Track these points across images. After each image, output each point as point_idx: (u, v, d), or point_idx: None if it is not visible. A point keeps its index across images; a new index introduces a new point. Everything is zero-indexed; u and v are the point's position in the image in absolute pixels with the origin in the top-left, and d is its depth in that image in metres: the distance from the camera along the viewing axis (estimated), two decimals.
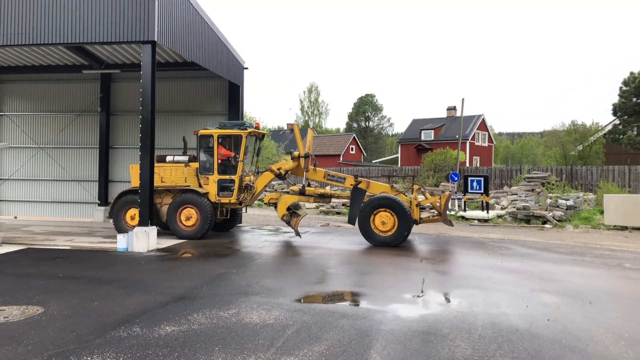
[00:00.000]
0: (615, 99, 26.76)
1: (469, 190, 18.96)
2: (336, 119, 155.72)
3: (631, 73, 26.03)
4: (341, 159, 50.82)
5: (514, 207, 17.96)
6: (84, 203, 18.20)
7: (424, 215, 13.31)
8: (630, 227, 15.43)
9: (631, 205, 15.58)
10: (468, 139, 46.72)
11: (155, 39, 10.86)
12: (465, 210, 18.91)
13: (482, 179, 18.55)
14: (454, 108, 52.54)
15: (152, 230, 11.13)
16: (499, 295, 7.21)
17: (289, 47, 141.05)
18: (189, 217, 12.78)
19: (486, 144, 53.11)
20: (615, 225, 15.77)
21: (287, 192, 13.39)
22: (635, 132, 26.22)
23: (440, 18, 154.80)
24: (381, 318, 5.91)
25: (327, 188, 17.08)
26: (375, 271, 8.94)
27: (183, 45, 12.47)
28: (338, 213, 20.88)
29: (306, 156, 12.92)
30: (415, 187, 12.84)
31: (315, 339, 5.13)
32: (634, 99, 25.84)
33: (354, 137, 54.10)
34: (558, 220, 16.85)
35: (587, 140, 29.87)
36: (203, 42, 13.73)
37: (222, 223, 14.01)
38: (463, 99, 26.41)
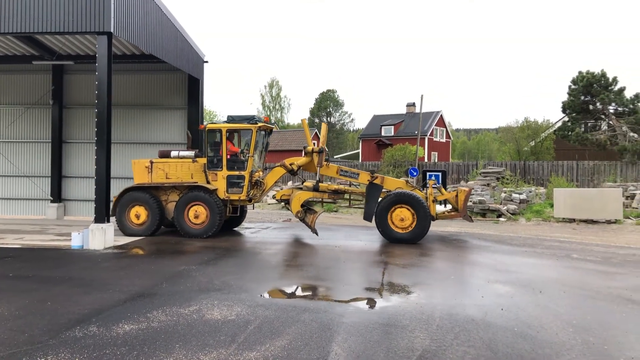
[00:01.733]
0: (565, 96, 27.93)
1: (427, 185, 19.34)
2: (298, 114, 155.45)
3: (579, 72, 27.22)
4: (303, 155, 50.76)
5: (471, 202, 18.51)
6: (35, 200, 17.46)
7: (439, 210, 13.00)
8: (577, 219, 16.19)
9: (578, 198, 16.35)
10: (427, 135, 47.68)
11: (112, 30, 10.54)
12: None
13: (440, 173, 18.98)
14: (413, 104, 53.48)
15: (109, 226, 10.83)
16: (456, 286, 7.44)
17: (250, 42, 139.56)
18: (197, 214, 12.31)
19: (444, 140, 54.37)
20: (564, 218, 16.52)
21: (300, 189, 12.94)
22: (582, 129, 27.46)
23: (400, 15, 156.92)
24: (342, 311, 6.00)
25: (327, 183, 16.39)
26: (337, 265, 9.04)
27: (141, 37, 12.14)
28: None
29: (320, 151, 12.57)
30: (431, 182, 12.69)
31: (277, 333, 5.16)
32: (582, 97, 27.04)
33: (315, 132, 54.13)
34: (512, 214, 17.50)
35: (538, 137, 31.09)
36: (161, 35, 13.41)
37: (227, 220, 13.36)
38: (422, 96, 26.99)
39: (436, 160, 46.90)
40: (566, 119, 29.07)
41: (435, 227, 15.00)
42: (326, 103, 77.02)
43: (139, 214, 12.52)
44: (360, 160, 48.41)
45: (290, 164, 12.78)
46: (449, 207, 13.10)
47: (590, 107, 27.00)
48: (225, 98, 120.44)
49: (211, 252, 10.33)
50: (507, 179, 22.10)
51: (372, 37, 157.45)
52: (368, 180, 12.23)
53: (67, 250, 10.41)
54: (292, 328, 5.32)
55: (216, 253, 10.17)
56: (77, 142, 17.28)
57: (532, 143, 31.32)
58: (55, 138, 17.08)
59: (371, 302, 6.55)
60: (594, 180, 24.07)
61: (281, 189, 14.02)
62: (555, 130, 30.66)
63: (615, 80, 26.39)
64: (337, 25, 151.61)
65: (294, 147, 50.22)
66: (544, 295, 6.90)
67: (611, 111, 26.61)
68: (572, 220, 16.28)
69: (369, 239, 12.38)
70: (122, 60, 16.06)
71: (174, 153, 13.26)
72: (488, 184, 21.68)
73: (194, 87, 16.65)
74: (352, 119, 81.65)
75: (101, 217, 10.73)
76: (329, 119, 77.38)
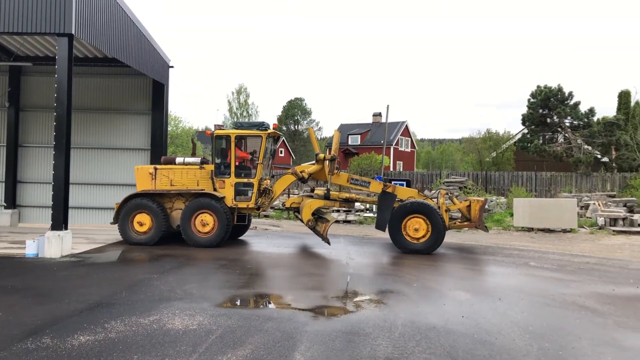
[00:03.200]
0: (525, 109, 28.88)
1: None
2: (265, 121, 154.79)
3: (538, 86, 28.21)
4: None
5: None
6: None
7: (455, 220, 12.76)
8: (535, 228, 16.71)
9: (537, 208, 16.89)
10: (392, 144, 48.38)
11: (73, 32, 10.25)
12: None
13: (404, 182, 19.28)
14: (380, 114, 54.22)
15: (67, 234, 10.47)
16: (419, 294, 7.54)
17: (217, 47, 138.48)
18: (205, 223, 11.93)
19: (409, 150, 55.26)
20: (523, 227, 17.02)
21: (310, 197, 12.67)
22: (541, 141, 28.43)
23: (367, 27, 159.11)
24: (306, 320, 5.99)
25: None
26: (301, 273, 9.01)
27: (104, 40, 11.86)
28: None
29: (332, 159, 12.39)
30: (442, 192, 12.61)
31: (240, 343, 5.09)
32: (540, 111, 28.02)
33: (283, 140, 54.12)
34: None
35: (500, 148, 32.02)
36: (126, 38, 13.15)
37: (233, 229, 12.87)
38: (388, 106, 27.30)
39: (401, 170, 47.59)
40: (525, 131, 30.04)
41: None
42: (294, 111, 77.05)
43: (142, 222, 12.11)
44: None
45: (301, 172, 12.57)
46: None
47: (548, 120, 27.99)
48: (192, 104, 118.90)
49: (174, 260, 10.13)
50: (470, 189, 22.63)
51: (341, 47, 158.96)
52: (381, 189, 12.06)
53: (21, 258, 10.00)
54: (254, 337, 5.27)
55: (179, 261, 9.97)
56: (34, 147, 16.66)
57: (494, 154, 32.23)
58: (11, 142, 16.41)
59: (335, 311, 6.56)
60: (552, 190, 24.92)
61: (289, 197, 13.61)
62: (515, 142, 31.64)
63: (571, 94, 27.48)
64: (305, 34, 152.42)
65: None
66: (503, 302, 7.08)
67: (567, 124, 27.66)
68: (530, 229, 16.79)
69: (335, 247, 12.41)
70: (84, 63, 15.65)
71: (179, 159, 12.93)
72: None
73: (158, 92, 16.38)
74: (320, 128, 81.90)
75: (58, 224, 10.36)
76: (296, 127, 77.44)
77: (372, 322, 5.92)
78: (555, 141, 28.10)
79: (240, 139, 12.52)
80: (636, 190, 22.12)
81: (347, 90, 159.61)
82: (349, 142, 51.76)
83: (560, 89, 27.56)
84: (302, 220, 12.63)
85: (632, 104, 30.61)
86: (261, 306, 6.93)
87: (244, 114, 75.94)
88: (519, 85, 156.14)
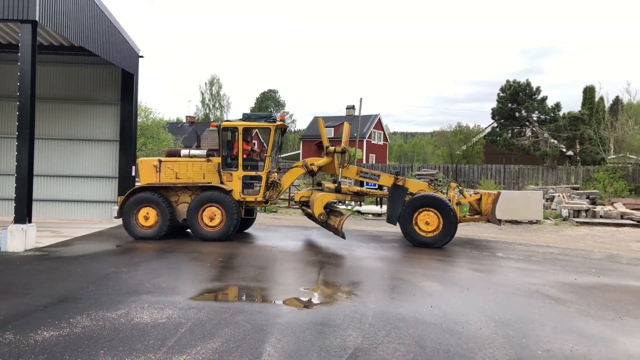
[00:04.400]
0: (495, 104, 29.45)
1: (365, 186, 19.74)
2: (238, 113, 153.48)
3: (507, 81, 28.81)
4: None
5: None
6: None
7: (464, 213, 12.62)
8: (503, 220, 17.10)
9: (505, 200, 17.25)
10: (365, 137, 48.62)
11: (37, 19, 9.90)
12: (360, 205, 19.69)
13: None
14: (353, 107, 54.36)
15: (31, 227, 10.17)
16: (388, 285, 7.64)
17: (189, 38, 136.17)
18: (212, 216, 11.67)
19: (382, 143, 55.66)
20: None
21: (318, 190, 12.43)
22: (509, 135, 29.08)
23: (341, 19, 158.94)
24: (277, 312, 5.99)
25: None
26: (273, 266, 9.01)
27: (70, 28, 11.50)
28: None
29: (343, 152, 12.21)
30: (453, 185, 12.51)
31: (210, 335, 5.06)
32: (509, 105, 28.63)
33: (256, 132, 53.79)
34: None
35: (470, 141, 32.60)
36: (93, 26, 12.77)
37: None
38: (361, 99, 27.47)
39: (374, 162, 47.92)
40: (495, 124, 30.68)
41: (372, 227, 15.32)
42: (267, 103, 76.66)
43: (148, 216, 11.80)
44: None
45: (311, 164, 12.38)
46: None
47: (517, 114, 28.64)
48: (163, 95, 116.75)
49: (144, 253, 9.97)
50: (440, 181, 22.98)
51: (314, 39, 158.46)
52: (392, 182, 11.97)
53: None
54: (224, 330, 5.25)
55: (149, 254, 9.82)
56: None
57: (464, 147, 32.81)
58: None
59: (306, 302, 6.59)
60: (519, 183, 25.56)
61: (299, 190, 13.43)
62: (485, 135, 32.29)
63: (538, 89, 28.17)
64: (280, 26, 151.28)
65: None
66: (471, 292, 7.24)
67: (535, 118, 28.37)
68: (499, 221, 17.16)
69: (307, 239, 12.44)
70: (50, 51, 15.16)
71: (184, 152, 12.60)
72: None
73: (128, 82, 16.00)
74: (294, 120, 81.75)
75: (22, 217, 10.05)
76: None
77: (343, 313, 5.97)
78: (523, 135, 28.78)
79: (247, 130, 12.29)
80: (598, 183, 22.91)
81: (321, 82, 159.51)
82: None
83: (528, 84, 28.22)
84: (307, 215, 12.48)
85: (597, 99, 31.58)
86: (232, 299, 6.89)
87: (216, 105, 75.12)
88: (490, 80, 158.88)
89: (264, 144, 12.16)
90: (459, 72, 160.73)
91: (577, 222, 16.70)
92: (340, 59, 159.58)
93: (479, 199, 12.48)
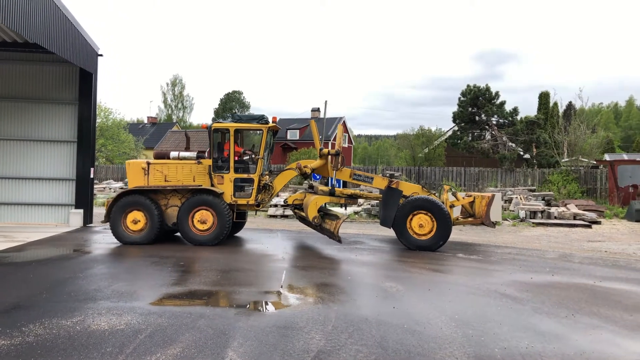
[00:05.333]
0: (455, 108, 30.17)
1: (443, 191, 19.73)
2: (202, 114, 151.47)
3: (467, 86, 29.59)
4: (207, 156, 49.54)
5: (369, 204, 19.26)
6: None
7: (456, 216, 12.55)
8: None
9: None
10: (330, 140, 48.84)
11: None
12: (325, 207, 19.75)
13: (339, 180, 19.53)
14: (318, 109, 54.52)
15: None
16: (352, 286, 7.69)
17: (150, 37, 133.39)
18: (203, 220, 11.36)
19: (346, 145, 56.03)
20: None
21: (311, 193, 12.15)
22: (470, 138, 29.85)
23: (305, 22, 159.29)
24: (239, 316, 5.93)
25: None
26: (236, 269, 8.91)
27: (23, 24, 11.04)
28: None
29: (337, 154, 12.04)
30: (446, 187, 12.36)
31: (170, 341, 4.96)
32: (469, 109, 29.40)
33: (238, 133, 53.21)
34: None
35: (432, 144, 33.27)
36: (49, 23, 12.32)
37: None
38: (326, 102, 27.61)
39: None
40: (456, 128, 31.42)
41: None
42: (231, 104, 75.77)
43: (136, 220, 11.40)
44: None
45: (304, 167, 12.16)
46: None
47: (477, 118, 29.44)
48: (123, 94, 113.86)
49: (102, 257, 9.68)
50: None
51: (280, 40, 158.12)
52: (386, 185, 11.85)
53: None
54: (185, 335, 5.15)
55: (108, 258, 9.54)
56: None
57: (426, 150, 33.44)
58: None
59: (269, 305, 6.55)
60: (479, 185, 26.24)
61: (295, 193, 13.18)
62: (446, 139, 33.01)
63: (497, 94, 29.05)
64: (245, 27, 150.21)
65: (195, 147, 48.80)
66: (432, 292, 7.37)
67: (494, 122, 29.22)
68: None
69: (271, 242, 12.38)
70: (2, 48, 14.54)
71: (173, 154, 12.18)
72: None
73: (86, 82, 15.51)
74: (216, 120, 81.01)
75: None
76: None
77: (306, 316, 5.97)
78: (483, 138, 29.58)
79: (238, 132, 12.06)
80: (553, 185, 23.80)
81: (286, 84, 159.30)
82: (288, 137, 51.73)
83: (487, 89, 29.04)
84: (300, 219, 12.22)
85: (551, 104, 32.81)
86: (193, 303, 6.77)
87: (179, 106, 73.90)
88: (451, 84, 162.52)
89: (254, 146, 11.98)
90: (419, 76, 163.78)
91: (533, 223, 17.27)
92: (304, 61, 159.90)
93: (472, 202, 12.49)
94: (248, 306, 6.43)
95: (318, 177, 21.16)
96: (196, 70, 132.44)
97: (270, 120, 12.11)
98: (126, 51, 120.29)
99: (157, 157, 12.32)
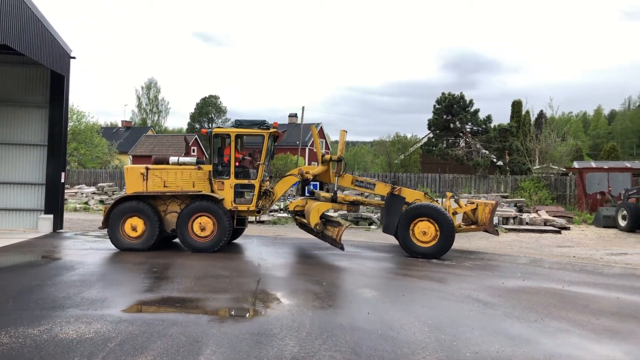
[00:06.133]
0: (431, 115, 30.59)
1: (306, 194, 19.82)
2: (177, 119, 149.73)
3: (442, 93, 30.05)
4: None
5: (344, 210, 19.32)
6: None
7: (458, 223, 12.40)
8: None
9: None
10: (307, 146, 48.93)
11: None
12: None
13: (317, 183, 19.55)
14: (295, 115, 54.63)
15: None
16: (327, 293, 7.69)
17: (125, 40, 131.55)
18: (203, 227, 11.17)
19: (323, 151, 56.23)
20: None
21: (312, 199, 12.00)
22: (444, 145, 30.30)
23: (281, 26, 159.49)
24: (213, 323, 5.87)
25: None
26: (210, 275, 8.82)
27: None
28: None
29: (339, 160, 11.94)
30: (449, 194, 12.23)
31: (141, 349, 4.88)
32: (444, 116, 29.86)
33: (195, 138, 52.60)
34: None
35: (407, 151, 33.65)
36: (19, 24, 12.04)
37: None
38: (303, 107, 27.68)
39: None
40: (431, 135, 31.85)
41: (308, 235, 15.36)
42: (208, 109, 75.15)
43: (135, 226, 11.17)
44: None
45: (306, 173, 12.01)
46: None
47: (451, 125, 29.91)
48: (97, 98, 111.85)
49: (72, 264, 9.44)
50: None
51: (256, 45, 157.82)
52: (388, 192, 11.75)
53: None
54: (157, 343, 5.07)
55: (79, 265, 9.31)
56: None
57: (402, 156, 33.79)
58: None
59: (243, 312, 6.51)
60: (454, 191, 26.62)
61: (295, 199, 13.00)
62: (421, 145, 33.44)
63: (471, 102, 29.58)
64: (221, 30, 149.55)
65: (171, 152, 48.26)
66: (406, 298, 7.43)
67: (468, 130, 29.73)
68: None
69: (247, 248, 12.30)
70: None
71: (172, 159, 11.94)
72: (362, 194, 22.81)
73: (57, 84, 15.20)
74: (214, 126, 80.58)
75: None
76: (210, 124, 75.59)
77: (281, 323, 5.94)
78: (457, 145, 30.06)
79: (239, 138, 11.94)
80: (525, 191, 24.32)
81: (263, 89, 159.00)
82: None
83: (462, 97, 29.55)
84: (300, 225, 12.11)
85: (523, 113, 33.57)
86: (166, 310, 6.67)
87: (154, 110, 72.97)
88: (427, 92, 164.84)
89: (254, 151, 11.90)
90: (395, 83, 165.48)
91: (505, 228, 17.59)
92: (280, 66, 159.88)
93: (475, 209, 12.41)
94: (222, 313, 6.37)
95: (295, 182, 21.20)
96: (173, 74, 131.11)
97: (272, 125, 12.01)
98: (101, 54, 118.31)
99: (156, 162, 12.12)
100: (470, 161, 28.32)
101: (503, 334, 5.80)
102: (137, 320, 5.89)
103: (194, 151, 50.80)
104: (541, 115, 41.26)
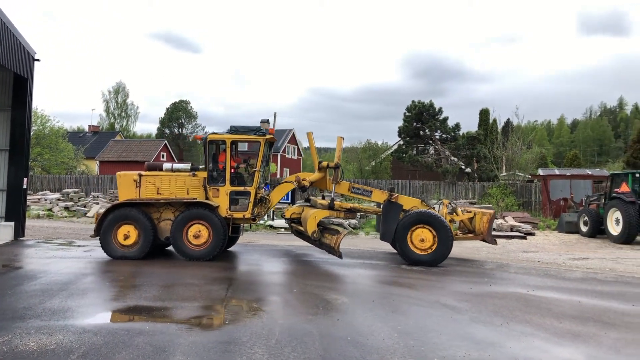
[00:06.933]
0: (401, 122, 31.01)
1: (287, 200, 19.75)
2: (146, 123, 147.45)
3: (413, 101, 30.54)
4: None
5: None
6: None
7: (456, 232, 12.29)
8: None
9: None
10: (279, 152, 48.83)
11: None
12: (273, 219, 19.68)
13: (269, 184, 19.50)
14: (267, 121, 54.16)
15: None
16: (297, 299, 7.67)
17: (94, 43, 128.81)
18: (198, 234, 10.92)
19: (295, 157, 56.23)
20: None
21: (309, 206, 11.84)
22: (414, 152, 30.74)
23: (252, 30, 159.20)
24: (180, 332, 5.77)
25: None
26: (178, 283, 8.68)
27: None
28: None
29: (336, 167, 11.87)
30: (445, 201, 12.15)
31: None
32: (414, 124, 30.31)
33: (165, 143, 51.76)
34: (353, 228, 18.71)
35: (378, 157, 33.98)
36: None
37: None
38: (275, 113, 27.66)
39: (288, 176, 48.23)
40: (401, 142, 32.27)
41: (283, 242, 15.34)
42: (178, 114, 74.08)
43: (128, 234, 10.85)
44: None
45: (303, 180, 11.84)
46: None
47: (421, 132, 30.39)
48: (63, 101, 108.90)
49: (33, 274, 9.14)
50: (342, 195, 23.65)
51: (226, 49, 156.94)
52: (385, 199, 11.64)
53: None
54: (122, 354, 4.95)
55: (40, 274, 9.01)
56: None
57: (373, 163, 34.09)
58: None
59: (212, 321, 6.42)
60: (423, 197, 27.00)
61: (291, 206, 12.67)
62: (392, 152, 33.83)
63: (440, 110, 30.14)
64: (189, 35, 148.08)
65: (140, 158, 47.38)
66: (375, 303, 7.48)
67: (437, 137, 30.26)
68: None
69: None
70: None
71: (166, 165, 11.62)
72: (333, 199, 22.88)
73: (20, 87, 14.74)
74: (206, 132, 79.57)
75: None
76: (180, 130, 74.55)
77: (250, 330, 5.89)
78: (427, 152, 30.54)
79: (235, 144, 11.78)
80: (492, 198, 24.87)
81: (235, 93, 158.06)
82: (237, 148, 51.24)
83: (432, 105, 30.08)
84: (296, 233, 12.03)
85: (491, 121, 34.39)
86: (132, 320, 6.53)
87: (122, 114, 71.50)
88: (397, 99, 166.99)
89: (249, 158, 11.82)
90: (365, 90, 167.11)
91: None
92: (250, 71, 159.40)
93: (472, 218, 12.41)
94: (189, 321, 6.27)
95: (267, 187, 21.08)
96: (142, 79, 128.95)
97: (268, 132, 11.92)
98: (68, 57, 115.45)
99: (149, 168, 11.85)
100: (439, 168, 28.79)
101: (470, 338, 5.90)
102: (102, 330, 5.74)
103: (163, 157, 50.01)
104: (508, 123, 42.30)
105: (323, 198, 12.36)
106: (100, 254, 11.60)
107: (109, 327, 5.98)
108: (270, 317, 6.52)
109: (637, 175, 17.72)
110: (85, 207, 23.78)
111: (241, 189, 11.51)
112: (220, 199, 11.36)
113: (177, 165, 11.94)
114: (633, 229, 16.08)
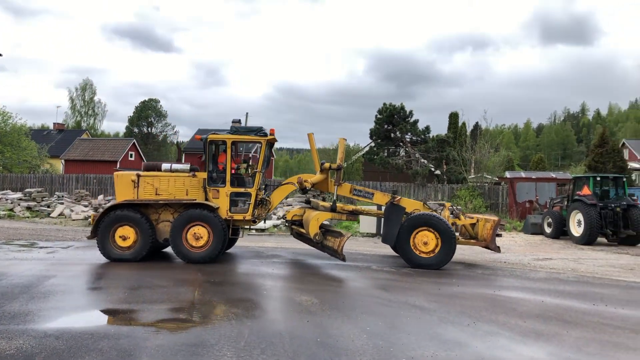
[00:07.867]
0: (372, 125, 31.24)
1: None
2: (114, 122, 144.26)
3: (384, 104, 30.78)
4: (118, 166, 47.13)
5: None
6: None
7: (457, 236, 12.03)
8: (377, 234, 18.10)
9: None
10: (251, 152, 48.50)
11: None
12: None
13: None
14: (239, 121, 53.87)
15: None
16: (267, 301, 7.64)
17: (60, 36, 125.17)
18: (198, 236, 10.65)
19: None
20: (367, 233, 18.29)
21: (310, 208, 11.61)
22: (385, 154, 31.01)
23: (225, 30, 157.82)
24: (147, 335, 5.66)
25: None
26: (145, 285, 8.50)
27: None
28: None
29: (338, 168, 11.68)
30: (447, 205, 11.94)
31: None
32: (385, 126, 30.58)
33: (134, 142, 50.70)
34: None
35: (350, 159, 34.16)
36: None
37: None
38: (247, 113, 27.48)
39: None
40: (373, 144, 32.52)
41: (254, 243, 15.23)
42: (147, 112, 72.82)
43: (126, 236, 10.53)
44: None
45: (305, 181, 11.61)
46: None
47: (392, 135, 30.67)
48: (26, 98, 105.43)
49: None
50: (322, 197, 23.67)
51: (199, 49, 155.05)
52: (388, 201, 11.48)
53: None
54: (85, 359, 4.82)
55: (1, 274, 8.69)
56: None
57: (345, 164, 34.23)
58: None
59: (179, 323, 6.31)
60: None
61: (292, 209, 12.50)
62: (364, 154, 34.06)
63: (411, 113, 30.49)
64: (161, 33, 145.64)
65: (107, 157, 46.38)
66: (345, 305, 7.50)
67: (408, 140, 30.61)
68: (374, 235, 18.12)
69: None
70: None
71: (165, 166, 11.26)
72: (334, 201, 22.91)
73: None
74: (176, 132, 78.39)
75: None
76: (150, 129, 73.25)
77: (218, 333, 5.82)
78: (397, 154, 30.85)
79: (236, 144, 11.58)
80: (461, 199, 25.33)
81: (206, 94, 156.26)
82: None
83: (402, 107, 30.40)
84: (296, 235, 11.88)
85: (460, 124, 35.03)
86: (97, 323, 6.36)
87: (89, 112, 69.76)
88: (369, 103, 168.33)
89: (250, 159, 11.64)
90: (336, 92, 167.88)
91: None
92: (220, 72, 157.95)
93: (474, 224, 12.33)
94: (156, 324, 6.15)
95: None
96: (110, 76, 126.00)
97: (269, 132, 11.71)
98: (32, 53, 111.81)
99: (147, 168, 11.53)
100: (409, 170, 29.13)
101: (437, 338, 5.98)
102: (64, 334, 5.57)
103: (131, 156, 48.98)
104: (477, 126, 43.20)
105: (323, 200, 12.30)
106: (64, 255, 11.29)
107: (72, 331, 5.80)
108: (239, 319, 6.45)
109: (598, 178, 18.36)
110: (49, 207, 23.06)
111: (242, 190, 11.36)
112: (220, 200, 11.17)
113: (176, 166, 11.75)
114: (594, 230, 16.64)
